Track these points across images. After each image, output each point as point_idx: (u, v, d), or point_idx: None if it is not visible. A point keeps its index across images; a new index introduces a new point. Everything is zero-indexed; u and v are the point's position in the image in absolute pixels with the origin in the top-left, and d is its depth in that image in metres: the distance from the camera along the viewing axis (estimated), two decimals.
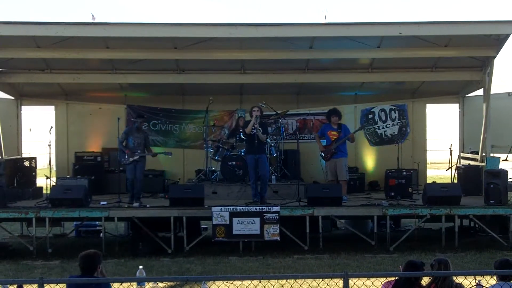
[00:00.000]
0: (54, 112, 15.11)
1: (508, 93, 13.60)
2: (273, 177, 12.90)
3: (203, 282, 7.36)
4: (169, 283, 8.96)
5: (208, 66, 13.28)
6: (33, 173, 13.66)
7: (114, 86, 14.45)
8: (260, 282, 6.09)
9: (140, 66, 13.19)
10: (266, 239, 10.89)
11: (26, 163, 13.67)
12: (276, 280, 7.98)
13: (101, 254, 5.86)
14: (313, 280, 7.12)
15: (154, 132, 14.41)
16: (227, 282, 7.59)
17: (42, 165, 16.32)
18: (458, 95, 14.92)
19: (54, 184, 12.46)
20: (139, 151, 11.81)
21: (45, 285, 5.07)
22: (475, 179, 12.82)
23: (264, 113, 12.29)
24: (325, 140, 12.38)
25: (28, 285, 5.75)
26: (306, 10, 73.53)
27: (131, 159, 11.75)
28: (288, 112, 13.96)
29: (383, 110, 13.73)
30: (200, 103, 14.00)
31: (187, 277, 8.78)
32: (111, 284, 6.06)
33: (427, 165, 16.11)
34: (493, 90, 12.55)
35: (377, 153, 14.73)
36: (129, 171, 11.91)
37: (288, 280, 7.51)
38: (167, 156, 12.95)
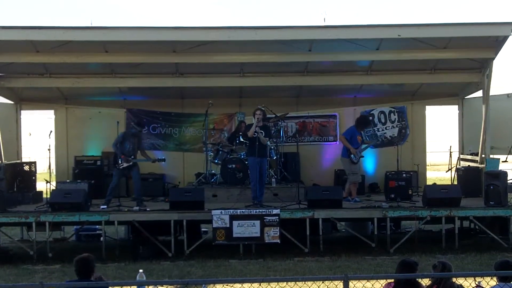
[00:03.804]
0: (53, 116, 15.10)
1: (507, 95, 13.60)
2: (273, 179, 12.90)
3: (204, 285, 7.35)
4: (169, 287, 8.94)
5: (208, 69, 13.29)
6: (33, 178, 13.64)
7: (114, 90, 14.43)
8: (260, 285, 6.09)
9: (140, 69, 13.20)
10: (266, 241, 10.89)
11: (26, 168, 13.66)
12: (277, 283, 7.93)
13: (94, 257, 5.85)
14: (313, 282, 7.09)
15: (154, 136, 14.42)
16: (227, 285, 7.57)
17: (42, 170, 16.31)
18: (457, 97, 14.92)
19: (54, 188, 12.47)
20: (133, 157, 11.87)
21: None
22: (475, 180, 12.80)
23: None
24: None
25: None
26: (305, 13, 73.59)
27: (125, 164, 11.80)
28: (287, 115, 13.96)
29: (382, 112, 13.74)
30: (199, 106, 14.00)
31: (188, 280, 8.74)
32: None
33: (427, 167, 16.09)
34: (492, 92, 12.57)
35: (377, 155, 14.73)
36: (116, 175, 12.00)
37: (289, 282, 7.48)
38: (167, 159, 12.96)
